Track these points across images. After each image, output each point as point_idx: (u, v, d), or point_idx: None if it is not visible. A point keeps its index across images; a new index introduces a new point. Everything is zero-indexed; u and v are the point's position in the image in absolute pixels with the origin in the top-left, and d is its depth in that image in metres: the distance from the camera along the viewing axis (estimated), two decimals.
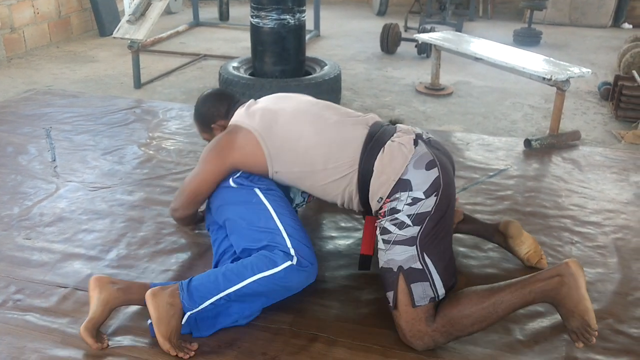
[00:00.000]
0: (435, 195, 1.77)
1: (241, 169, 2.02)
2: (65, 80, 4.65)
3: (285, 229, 1.86)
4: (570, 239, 2.44)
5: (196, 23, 6.76)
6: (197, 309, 1.77)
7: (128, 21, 4.33)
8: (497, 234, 2.23)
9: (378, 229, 1.85)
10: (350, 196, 1.92)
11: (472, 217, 2.33)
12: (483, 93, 4.46)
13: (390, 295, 1.80)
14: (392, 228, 1.79)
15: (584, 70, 3.41)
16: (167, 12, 7.28)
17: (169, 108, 3.98)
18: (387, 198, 1.81)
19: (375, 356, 1.78)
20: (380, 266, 1.84)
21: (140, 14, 4.35)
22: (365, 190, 1.86)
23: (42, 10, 5.76)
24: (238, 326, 1.89)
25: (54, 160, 3.09)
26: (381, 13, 7.64)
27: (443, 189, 1.79)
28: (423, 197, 1.76)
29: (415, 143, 1.86)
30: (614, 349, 1.83)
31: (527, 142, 3.39)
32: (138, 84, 4.48)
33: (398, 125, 1.99)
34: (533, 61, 3.62)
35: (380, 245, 1.83)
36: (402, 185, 1.78)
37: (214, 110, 2.17)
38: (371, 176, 1.83)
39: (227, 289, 1.77)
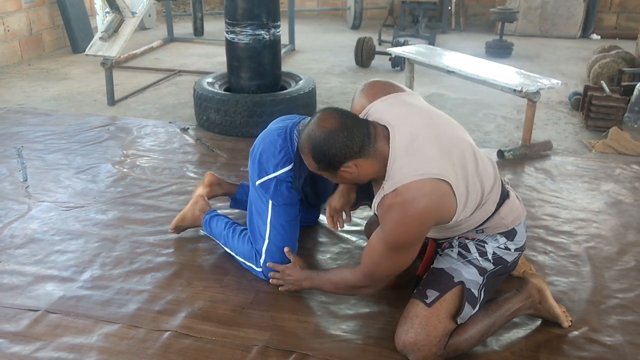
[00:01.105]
0: (519, 254, 1.91)
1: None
2: (37, 98, 4.60)
3: (267, 245, 2.15)
4: (544, 248, 2.47)
5: (170, 39, 6.74)
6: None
7: (101, 38, 4.30)
8: None
9: (458, 242, 1.88)
10: (472, 229, 1.84)
11: None
12: (456, 105, 4.51)
13: (432, 293, 1.78)
14: (474, 251, 1.85)
15: (554, 81, 3.47)
16: (141, 27, 7.25)
17: (144, 125, 3.95)
18: (489, 234, 1.87)
19: None
20: (438, 266, 1.86)
21: (113, 31, 4.32)
22: (481, 224, 1.84)
23: (13, 28, 5.69)
24: (216, 343, 1.87)
25: (26, 180, 3.05)
26: (355, 27, 7.70)
27: (521, 252, 1.93)
28: (513, 250, 1.88)
29: None
30: (588, 357, 1.85)
31: (500, 153, 3.44)
32: (112, 101, 4.44)
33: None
34: (504, 73, 3.67)
35: (453, 254, 1.86)
36: (509, 233, 1.87)
37: (347, 151, 1.62)
38: (493, 215, 1.83)
39: (224, 245, 2.34)
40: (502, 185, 1.87)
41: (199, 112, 3.89)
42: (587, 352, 1.87)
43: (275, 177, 2.08)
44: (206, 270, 2.27)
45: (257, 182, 2.12)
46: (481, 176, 1.72)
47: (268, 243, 2.15)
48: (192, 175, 3.17)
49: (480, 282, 1.81)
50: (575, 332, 1.95)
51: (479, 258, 1.84)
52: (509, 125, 4.08)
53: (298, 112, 3.75)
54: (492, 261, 1.84)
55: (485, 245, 1.85)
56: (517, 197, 1.93)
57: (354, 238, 2.52)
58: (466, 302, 1.78)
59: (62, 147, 3.52)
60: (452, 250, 1.87)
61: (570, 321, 1.99)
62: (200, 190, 2.54)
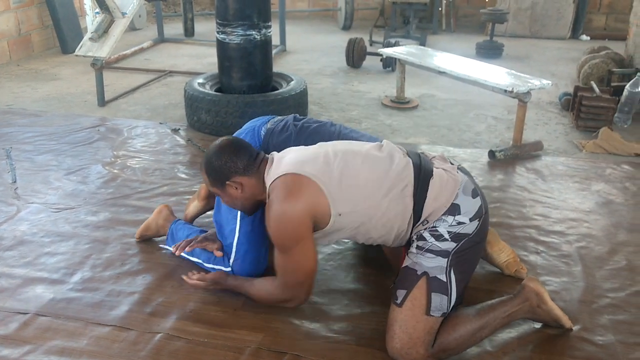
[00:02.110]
0: (478, 221, 1.83)
1: (314, 221, 1.80)
2: (26, 99, 4.56)
3: (238, 239, 2.13)
4: (536, 248, 2.48)
5: (161, 39, 6.71)
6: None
7: (91, 39, 4.27)
8: None
9: (415, 236, 1.85)
10: (407, 227, 1.85)
11: None
12: (447, 105, 4.52)
13: (401, 292, 1.80)
14: (429, 237, 1.81)
15: (544, 82, 3.48)
16: (132, 28, 7.21)
17: (134, 126, 3.93)
18: (434, 220, 1.83)
19: None
20: (403, 265, 1.85)
21: (103, 31, 4.29)
22: (417, 217, 1.83)
23: (1, 28, 5.65)
24: (208, 345, 1.86)
25: (15, 182, 3.02)
26: (346, 27, 7.70)
27: (484, 217, 1.86)
28: (467, 221, 1.82)
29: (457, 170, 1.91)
30: (580, 357, 1.85)
31: (491, 154, 3.44)
32: (102, 102, 4.41)
33: (427, 152, 2.02)
34: (495, 74, 3.68)
35: (412, 249, 1.84)
36: (452, 209, 1.82)
37: (231, 165, 1.86)
38: (424, 202, 1.82)
39: (190, 255, 2.28)
40: (421, 170, 1.84)
41: (189, 113, 3.87)
42: (579, 351, 1.87)
43: None
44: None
45: None
46: (360, 173, 1.81)
47: (239, 237, 2.12)
48: (183, 176, 3.15)
49: (445, 265, 1.78)
50: (568, 332, 1.95)
51: (436, 242, 1.79)
52: (500, 125, 4.10)
53: (289, 112, 3.72)
54: (450, 239, 1.79)
55: (438, 228, 1.81)
56: (445, 170, 1.87)
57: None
58: (433, 293, 1.76)
59: (51, 148, 3.49)
60: (412, 247, 1.85)
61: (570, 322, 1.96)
62: (195, 203, 2.52)
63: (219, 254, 2.14)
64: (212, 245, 2.18)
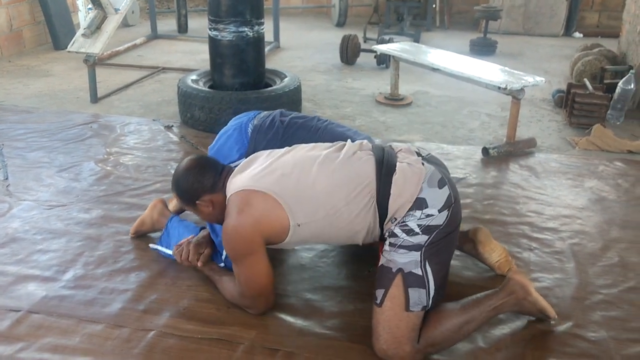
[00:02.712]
0: (447, 211, 1.81)
1: (266, 236, 1.84)
2: (18, 96, 4.53)
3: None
4: (529, 245, 2.49)
5: (154, 35, 6.68)
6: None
7: (83, 35, 4.24)
8: (467, 242, 2.26)
9: (387, 233, 1.84)
10: (373, 226, 1.85)
11: None
12: (441, 102, 4.52)
13: (379, 292, 1.80)
14: (400, 233, 1.80)
15: (538, 79, 3.49)
16: (125, 24, 7.17)
17: (127, 122, 3.91)
18: (402, 217, 1.81)
19: None
20: (379, 264, 1.85)
21: (95, 28, 4.27)
22: (383, 214, 1.83)
23: None
24: (201, 342, 1.86)
25: (6, 179, 3.00)
26: (340, 24, 7.69)
27: (454, 206, 1.83)
28: (436, 213, 1.79)
29: (422, 162, 1.88)
30: (573, 353, 1.86)
31: (485, 151, 3.45)
32: (95, 98, 4.39)
33: (394, 144, 2.00)
34: (489, 71, 3.69)
35: (386, 247, 1.84)
36: (418, 203, 1.80)
37: (198, 186, 1.92)
38: (389, 199, 1.81)
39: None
40: (384, 166, 1.82)
41: (183, 110, 3.85)
42: (571, 347, 1.88)
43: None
44: (191, 269, 2.25)
45: None
46: (316, 181, 1.81)
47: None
48: None
49: (419, 259, 1.77)
50: (560, 328, 1.96)
51: (407, 237, 1.78)
52: (493, 122, 4.10)
53: (283, 109, 3.74)
54: (421, 233, 1.77)
55: (408, 223, 1.79)
56: (409, 164, 1.84)
57: None
58: (410, 288, 1.76)
59: (43, 145, 3.47)
60: (385, 245, 1.85)
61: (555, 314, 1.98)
62: (174, 202, 2.51)
63: (199, 264, 2.11)
64: (201, 250, 2.14)
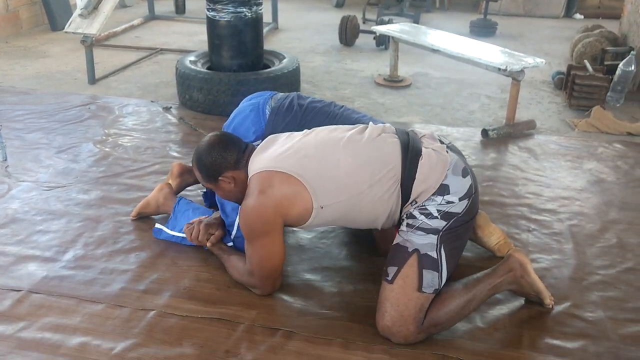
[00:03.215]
0: (467, 200, 1.83)
1: (287, 219, 1.84)
2: (15, 77, 4.50)
3: (238, 224, 2.10)
4: (527, 226, 2.49)
5: (152, 16, 6.62)
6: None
7: (80, 15, 4.21)
8: None
9: (404, 215, 1.85)
10: (395, 209, 1.85)
11: None
12: (441, 84, 4.50)
13: (392, 269, 1.81)
14: (418, 215, 1.81)
15: (538, 60, 3.47)
16: (122, 5, 7.11)
17: (125, 104, 3.90)
18: (424, 201, 1.82)
19: (336, 349, 1.79)
20: (394, 243, 1.86)
21: (92, 8, 4.23)
22: (406, 198, 1.83)
23: None
24: (201, 321, 1.87)
25: (5, 160, 3.00)
26: (339, 5, 7.63)
27: (474, 196, 1.85)
28: (457, 201, 1.81)
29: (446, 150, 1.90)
30: (571, 333, 1.87)
31: (484, 132, 3.45)
32: (92, 80, 4.37)
33: (417, 130, 2.00)
34: (489, 52, 3.67)
35: (403, 227, 1.85)
36: (441, 190, 1.81)
37: (222, 161, 1.90)
38: (413, 183, 1.81)
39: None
40: (409, 150, 1.82)
41: (181, 91, 3.84)
42: (569, 327, 1.90)
43: None
44: (191, 249, 2.26)
45: None
46: (341, 163, 1.81)
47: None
48: (175, 154, 3.14)
49: (435, 242, 1.79)
50: (558, 308, 1.97)
51: (426, 220, 1.80)
52: (493, 104, 4.09)
53: (281, 91, 3.70)
54: (439, 217, 1.79)
55: (427, 207, 1.81)
56: (434, 150, 1.85)
57: None
58: (424, 270, 1.77)
59: (42, 126, 3.46)
60: (402, 225, 1.86)
61: (552, 299, 1.98)
62: (171, 182, 2.50)
63: (209, 244, 2.11)
64: (212, 230, 2.14)
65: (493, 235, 2.24)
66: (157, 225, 2.36)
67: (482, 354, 1.78)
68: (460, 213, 1.82)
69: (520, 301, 2.00)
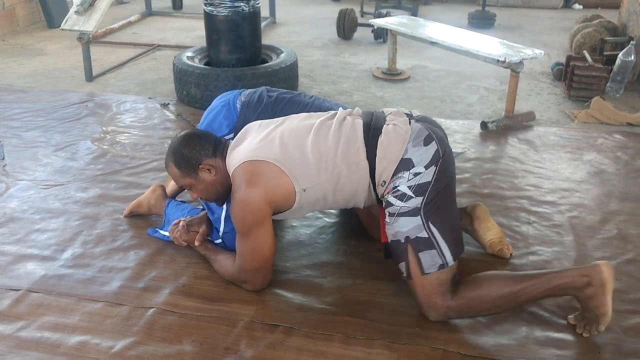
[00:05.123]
0: (435, 166, 1.81)
1: (275, 205, 1.87)
2: (12, 75, 4.49)
3: (226, 211, 2.12)
4: (527, 218, 2.48)
5: (149, 12, 6.59)
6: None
7: (76, 12, 4.19)
8: (464, 218, 2.24)
9: (383, 203, 1.87)
10: (368, 188, 1.89)
11: None
12: (439, 77, 4.48)
13: (402, 266, 1.84)
14: (394, 201, 1.82)
15: (537, 51, 3.45)
16: (119, 1, 7.08)
17: (123, 101, 3.88)
18: (390, 179, 1.84)
19: (337, 344, 1.78)
20: (389, 240, 1.87)
21: (89, 5, 4.21)
22: (373, 175, 1.86)
23: None
24: (201, 318, 1.86)
25: (3, 159, 2.99)
26: None
27: (442, 160, 1.83)
28: (423, 170, 1.81)
29: (409, 122, 1.90)
30: (572, 325, 1.86)
31: (484, 125, 3.43)
32: (90, 77, 4.35)
33: (385, 109, 2.02)
34: (487, 44, 3.65)
35: (387, 219, 1.86)
36: (404, 164, 1.82)
37: (200, 149, 1.91)
38: (375, 161, 1.84)
39: None
40: (371, 129, 1.86)
41: (179, 87, 3.82)
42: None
43: None
44: (189, 246, 2.25)
45: None
46: (315, 147, 1.85)
47: (227, 209, 2.11)
48: None
49: (421, 222, 1.79)
50: (559, 300, 1.96)
51: (402, 204, 1.80)
52: (492, 96, 4.08)
53: (280, 85, 3.70)
54: (414, 195, 1.79)
55: (399, 188, 1.81)
56: (395, 125, 1.87)
57: (337, 211, 2.51)
58: (419, 253, 1.79)
59: (39, 125, 3.45)
60: (386, 218, 1.87)
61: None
62: (172, 183, 2.47)
63: (197, 243, 2.12)
64: (194, 229, 2.15)
65: (490, 230, 2.21)
66: (150, 229, 2.36)
67: (483, 348, 1.77)
68: (431, 181, 1.80)
69: None
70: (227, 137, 2.18)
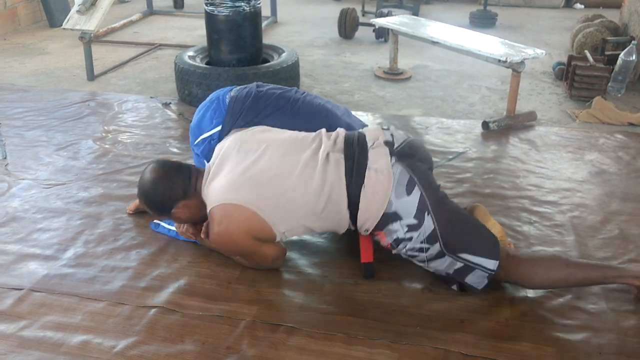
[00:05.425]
0: (428, 214, 1.84)
1: (259, 239, 1.93)
2: (14, 74, 4.49)
3: None
4: (529, 218, 2.49)
5: (150, 12, 6.60)
6: None
7: (78, 11, 4.19)
8: None
9: (394, 251, 1.94)
10: (347, 225, 1.97)
11: None
12: (441, 76, 4.48)
13: (454, 286, 1.96)
14: (417, 253, 1.89)
15: (538, 51, 3.45)
16: (120, 0, 7.09)
17: (125, 100, 3.88)
18: (376, 230, 1.89)
19: (339, 344, 1.78)
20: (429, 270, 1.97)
21: (90, 4, 4.21)
22: (354, 220, 1.91)
23: None
24: (203, 318, 1.87)
25: (5, 158, 2.99)
26: None
27: (432, 205, 1.85)
28: (416, 221, 1.84)
29: (390, 157, 1.89)
30: (573, 325, 1.87)
31: (485, 124, 3.43)
32: (91, 76, 4.35)
33: (368, 132, 1.98)
34: (489, 43, 3.65)
35: (417, 263, 1.94)
36: (391, 217, 1.86)
37: (171, 193, 1.93)
38: (357, 211, 1.87)
39: None
40: (354, 174, 1.85)
41: (180, 87, 3.82)
42: (571, 320, 1.89)
43: (209, 135, 2.30)
44: (191, 246, 2.25)
45: (195, 142, 2.34)
46: (295, 198, 1.86)
47: None
48: (175, 150, 3.13)
49: (451, 258, 1.86)
50: (560, 300, 1.97)
51: (426, 254, 1.88)
52: (494, 96, 4.08)
53: (281, 84, 3.69)
54: (431, 244, 1.86)
55: (409, 243, 1.87)
56: (377, 171, 1.86)
57: None
58: (465, 279, 1.89)
59: (41, 124, 3.45)
60: (414, 262, 1.95)
61: None
62: None
63: (202, 235, 2.12)
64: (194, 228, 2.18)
65: (491, 230, 2.20)
66: (153, 223, 2.36)
67: (484, 347, 1.77)
68: (435, 227, 1.85)
69: (523, 293, 1.99)
70: (213, 131, 2.25)
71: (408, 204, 1.84)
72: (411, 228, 1.85)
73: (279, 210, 1.85)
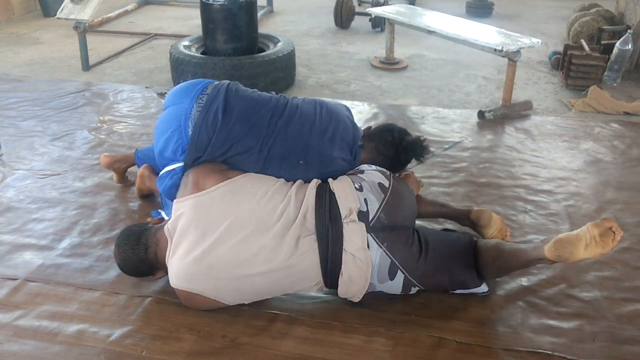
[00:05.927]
0: (415, 287, 1.88)
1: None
2: (8, 64, 4.47)
3: None
4: (524, 207, 2.49)
5: (145, 1, 6.56)
6: None
7: (72, 1, 4.16)
8: (468, 221, 2.24)
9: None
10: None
11: (443, 202, 2.34)
12: (437, 66, 4.48)
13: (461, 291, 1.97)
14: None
15: (534, 40, 3.45)
16: None
17: (120, 90, 3.87)
18: None
19: (336, 332, 1.79)
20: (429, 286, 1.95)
21: None
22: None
23: None
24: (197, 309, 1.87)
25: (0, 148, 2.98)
26: None
27: (418, 279, 1.86)
28: (404, 292, 1.89)
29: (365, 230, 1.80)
30: (567, 313, 1.88)
31: (481, 114, 3.43)
32: (86, 66, 4.33)
33: (338, 197, 1.85)
34: (485, 33, 3.64)
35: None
36: (377, 292, 1.88)
37: (145, 268, 1.90)
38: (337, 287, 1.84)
39: None
40: (329, 261, 1.78)
41: (176, 77, 3.81)
42: (565, 307, 1.90)
43: (172, 170, 2.14)
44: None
45: (159, 176, 2.23)
46: (258, 283, 1.79)
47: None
48: None
49: (409, 280, 1.85)
50: (554, 288, 1.98)
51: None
52: (490, 85, 4.07)
53: (277, 74, 3.71)
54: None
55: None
56: (353, 256, 1.77)
57: None
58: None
59: (36, 114, 3.44)
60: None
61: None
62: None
63: None
64: None
65: (492, 227, 2.18)
66: (154, 212, 2.36)
67: (478, 335, 1.78)
68: (422, 288, 1.91)
69: (517, 282, 2.00)
70: (176, 166, 2.09)
71: (393, 286, 1.85)
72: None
73: (240, 295, 1.82)
